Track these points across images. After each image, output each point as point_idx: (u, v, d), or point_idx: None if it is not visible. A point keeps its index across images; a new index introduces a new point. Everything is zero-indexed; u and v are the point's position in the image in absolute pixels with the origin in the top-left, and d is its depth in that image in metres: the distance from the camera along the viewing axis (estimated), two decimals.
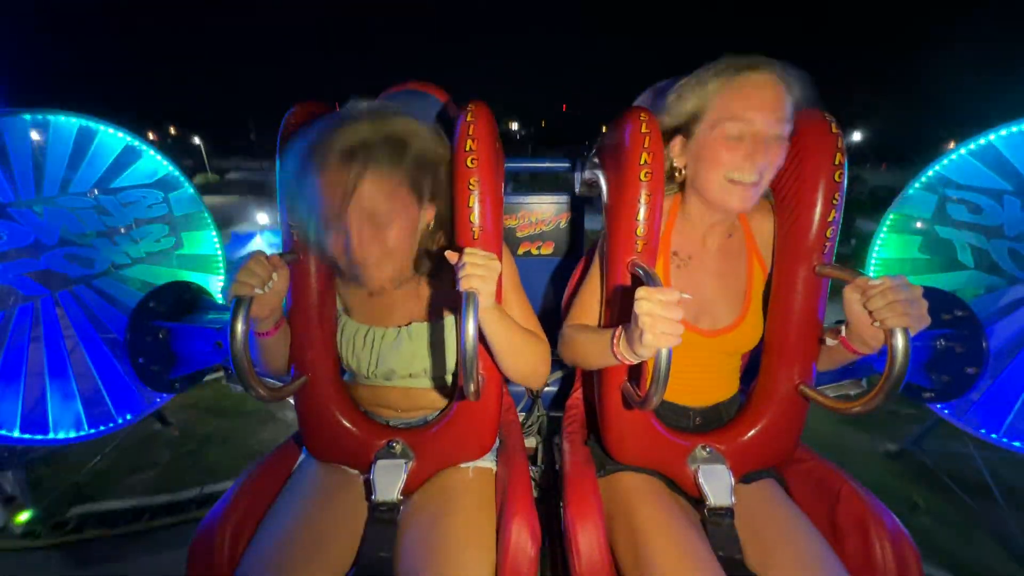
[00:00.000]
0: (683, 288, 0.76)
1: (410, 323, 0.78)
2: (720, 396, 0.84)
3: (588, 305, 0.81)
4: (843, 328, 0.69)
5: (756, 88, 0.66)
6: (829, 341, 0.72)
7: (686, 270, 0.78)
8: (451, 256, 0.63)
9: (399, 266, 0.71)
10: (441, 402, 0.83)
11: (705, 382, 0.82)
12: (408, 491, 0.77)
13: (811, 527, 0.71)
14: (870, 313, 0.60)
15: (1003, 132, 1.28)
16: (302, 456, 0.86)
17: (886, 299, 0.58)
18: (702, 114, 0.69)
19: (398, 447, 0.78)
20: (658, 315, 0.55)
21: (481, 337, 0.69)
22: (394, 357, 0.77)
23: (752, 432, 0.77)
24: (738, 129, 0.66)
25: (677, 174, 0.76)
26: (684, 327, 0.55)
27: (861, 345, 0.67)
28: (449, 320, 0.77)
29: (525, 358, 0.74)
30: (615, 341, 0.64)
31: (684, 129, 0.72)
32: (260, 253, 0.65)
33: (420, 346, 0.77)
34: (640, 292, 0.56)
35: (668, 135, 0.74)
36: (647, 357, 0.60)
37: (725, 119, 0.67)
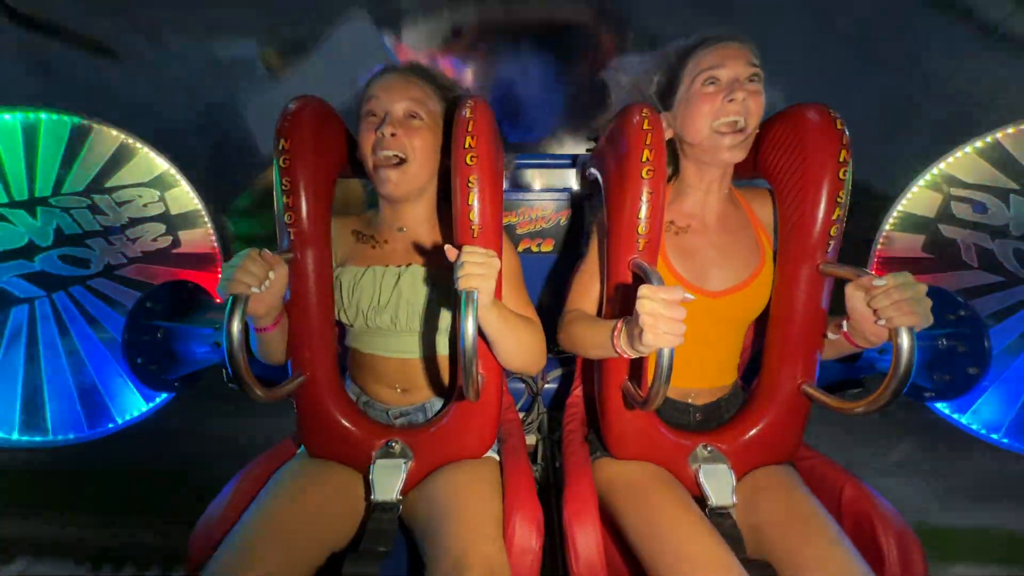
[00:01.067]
0: (683, 252, 0.78)
1: (410, 264, 0.80)
2: (719, 382, 0.83)
3: (587, 289, 0.81)
4: (844, 323, 0.69)
5: (723, 45, 0.72)
6: (831, 335, 0.72)
7: (684, 236, 0.79)
8: (450, 253, 0.63)
9: (416, 177, 0.76)
10: (438, 382, 0.83)
11: (706, 357, 0.81)
12: (407, 491, 0.77)
13: (823, 508, 0.70)
14: (874, 311, 0.60)
15: (1011, 130, 1.27)
16: (300, 451, 0.85)
17: (891, 298, 0.58)
18: (678, 82, 0.75)
19: (397, 447, 0.77)
20: (660, 314, 0.54)
21: (480, 333, 0.68)
22: (392, 294, 0.78)
23: (754, 431, 0.77)
24: (711, 75, 0.71)
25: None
26: (687, 292, 0.56)
27: (863, 341, 0.67)
28: (449, 272, 0.77)
29: (524, 350, 0.74)
30: (615, 335, 0.64)
31: (664, 103, 0.77)
32: (255, 250, 0.64)
33: (419, 288, 0.78)
34: (643, 290, 0.56)
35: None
36: (646, 354, 0.60)
37: (698, 74, 0.72)
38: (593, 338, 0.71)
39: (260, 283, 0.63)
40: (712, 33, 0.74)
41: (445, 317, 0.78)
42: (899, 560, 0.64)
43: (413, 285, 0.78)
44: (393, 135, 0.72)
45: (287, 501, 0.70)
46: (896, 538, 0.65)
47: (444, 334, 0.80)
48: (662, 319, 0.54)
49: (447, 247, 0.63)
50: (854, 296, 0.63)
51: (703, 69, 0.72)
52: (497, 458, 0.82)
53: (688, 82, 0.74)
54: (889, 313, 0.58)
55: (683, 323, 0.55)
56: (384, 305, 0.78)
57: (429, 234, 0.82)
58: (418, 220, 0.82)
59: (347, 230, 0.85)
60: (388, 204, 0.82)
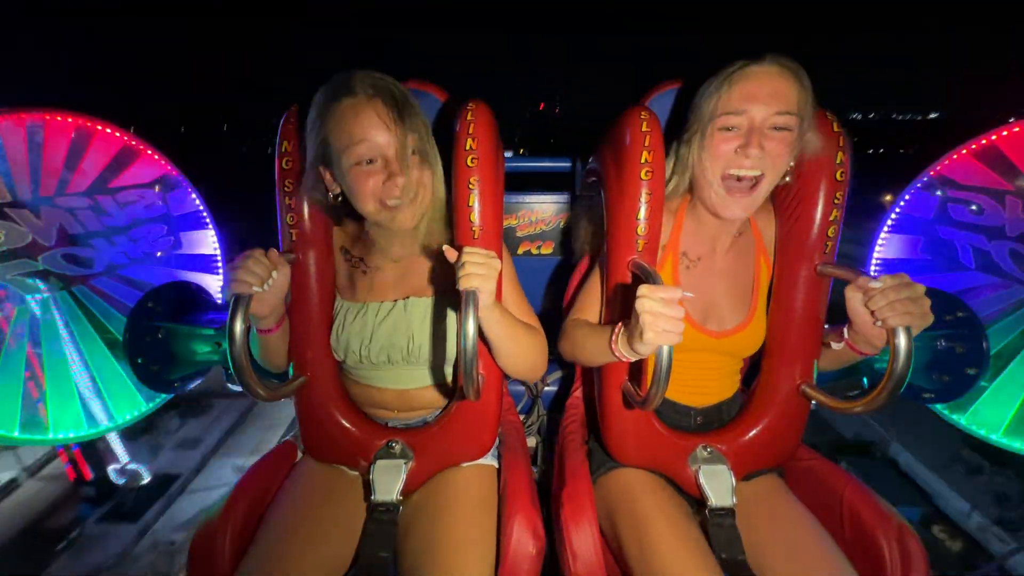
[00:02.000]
0: (691, 289, 0.75)
1: (407, 296, 0.76)
2: (721, 396, 0.84)
3: (590, 303, 0.81)
4: (846, 330, 0.69)
5: (755, 79, 0.64)
6: (835, 345, 0.72)
7: (695, 271, 0.78)
8: (450, 254, 0.63)
9: (424, 202, 0.71)
10: (438, 402, 0.82)
11: (708, 383, 0.82)
12: (408, 491, 0.77)
13: (815, 522, 0.71)
14: (872, 312, 0.60)
15: (1005, 132, 1.28)
16: (300, 455, 0.85)
17: (888, 298, 0.58)
18: (704, 113, 0.69)
19: (397, 447, 0.77)
20: (659, 313, 0.55)
21: (481, 335, 0.68)
22: (387, 333, 0.75)
23: (753, 432, 0.77)
24: (734, 120, 0.65)
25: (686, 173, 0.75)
26: (691, 328, 0.55)
27: (865, 345, 0.67)
28: (447, 297, 0.75)
29: (525, 354, 0.73)
30: (614, 338, 0.64)
31: (689, 131, 0.72)
32: (259, 250, 0.65)
33: (416, 322, 0.75)
34: (642, 290, 0.56)
35: (674, 138, 0.75)
36: (646, 355, 0.60)
37: (721, 113, 0.66)
38: (593, 342, 0.71)
39: (263, 283, 0.63)
40: (751, 56, 0.64)
41: (450, 346, 0.75)
42: (899, 560, 0.64)
43: (412, 317, 0.75)
44: (410, 175, 0.66)
45: (297, 526, 0.70)
46: (896, 538, 0.65)
47: (448, 363, 0.77)
48: (661, 317, 0.54)
49: (446, 247, 0.63)
50: (853, 298, 0.63)
51: (724, 111, 0.64)
52: (496, 464, 0.82)
53: (708, 121, 0.67)
54: (886, 313, 0.58)
55: (682, 322, 0.55)
56: (379, 345, 0.75)
57: (424, 259, 0.77)
58: (415, 244, 0.75)
59: (335, 244, 0.81)
60: (383, 233, 0.74)
